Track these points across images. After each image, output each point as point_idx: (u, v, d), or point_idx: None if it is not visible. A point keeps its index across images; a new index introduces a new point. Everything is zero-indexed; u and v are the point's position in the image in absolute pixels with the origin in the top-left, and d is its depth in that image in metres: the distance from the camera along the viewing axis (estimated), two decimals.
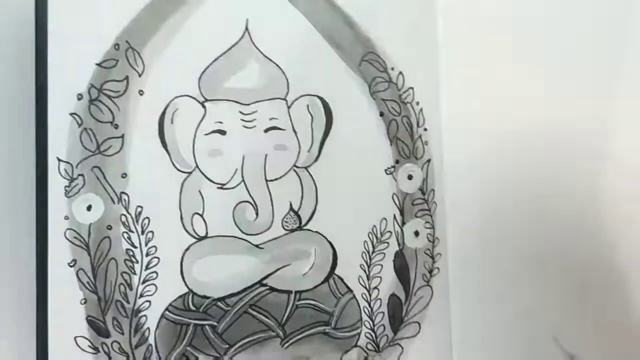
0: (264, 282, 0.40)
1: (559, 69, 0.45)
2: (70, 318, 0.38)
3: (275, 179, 0.41)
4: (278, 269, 0.40)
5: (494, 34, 0.45)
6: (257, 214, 0.40)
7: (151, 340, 0.38)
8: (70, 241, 0.38)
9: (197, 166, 0.40)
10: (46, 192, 0.38)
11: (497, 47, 0.45)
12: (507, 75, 0.45)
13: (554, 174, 0.43)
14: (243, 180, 0.40)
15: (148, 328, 0.38)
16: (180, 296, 0.39)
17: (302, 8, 0.42)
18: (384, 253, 0.42)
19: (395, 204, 0.42)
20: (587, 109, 0.43)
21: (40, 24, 0.38)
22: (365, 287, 0.41)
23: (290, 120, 0.41)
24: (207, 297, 0.39)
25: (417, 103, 0.43)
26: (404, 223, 0.42)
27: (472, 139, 0.43)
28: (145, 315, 0.38)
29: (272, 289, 0.40)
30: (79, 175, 0.38)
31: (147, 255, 0.39)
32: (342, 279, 0.41)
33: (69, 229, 0.38)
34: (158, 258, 0.39)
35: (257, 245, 0.40)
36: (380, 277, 0.42)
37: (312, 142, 0.41)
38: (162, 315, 0.39)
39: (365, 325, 0.41)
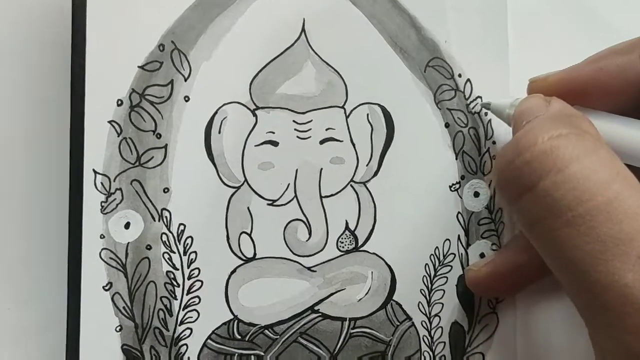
0: (316, 308, 0.33)
1: None
2: (104, 346, 0.31)
3: (331, 195, 0.33)
4: (331, 294, 0.33)
5: (568, 39, 0.37)
6: (310, 233, 0.33)
7: None
8: (105, 262, 0.31)
9: (245, 180, 0.32)
10: (81, 208, 0.31)
11: (571, 53, 0.37)
12: None
13: None
14: (296, 196, 0.32)
15: (188, 358, 0.32)
16: (225, 323, 0.32)
17: (364, 9, 0.34)
18: (447, 277, 0.34)
19: (460, 224, 0.34)
20: None
21: (78, 24, 0.31)
22: (426, 315, 0.34)
23: (349, 130, 0.33)
24: (254, 325, 0.32)
25: (486, 113, 0.35)
26: (468, 244, 0.34)
27: None
28: (185, 344, 0.31)
29: (325, 316, 0.33)
30: (116, 189, 0.31)
31: (189, 278, 0.31)
32: (400, 305, 0.33)
33: (104, 248, 0.31)
34: (201, 281, 0.32)
35: (309, 268, 0.33)
36: (442, 304, 0.34)
37: (372, 155, 0.33)
38: (204, 344, 0.32)
39: (424, 356, 0.34)
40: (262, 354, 0.32)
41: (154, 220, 0.31)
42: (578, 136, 0.25)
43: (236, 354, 0.32)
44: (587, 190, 0.24)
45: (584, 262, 0.23)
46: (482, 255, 0.34)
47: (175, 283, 0.31)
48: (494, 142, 0.35)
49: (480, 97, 0.35)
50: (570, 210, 0.24)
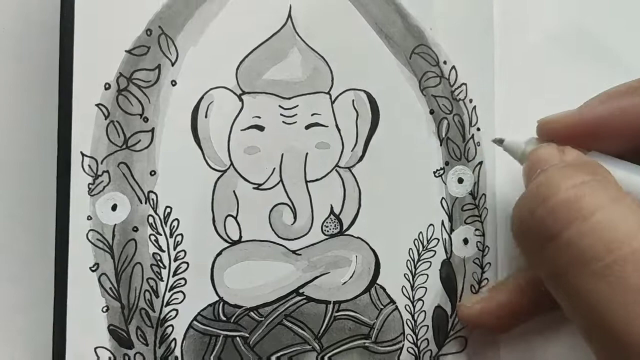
0: (301, 291, 0.33)
1: (627, 65, 0.37)
2: (90, 327, 0.31)
3: (316, 180, 0.34)
4: (316, 277, 0.33)
5: (555, 27, 0.37)
6: (295, 217, 0.33)
7: (177, 352, 0.32)
8: (92, 243, 0.31)
9: (232, 164, 0.32)
10: (68, 190, 0.31)
11: (558, 41, 0.37)
12: (568, 72, 0.37)
13: None
14: (281, 181, 0.33)
15: (174, 339, 0.32)
16: (210, 305, 0.32)
17: None
18: (430, 262, 0.34)
19: (444, 209, 0.35)
20: None
21: (66, 8, 0.31)
22: (409, 298, 0.34)
23: (334, 116, 0.34)
24: (239, 307, 0.32)
25: (470, 100, 0.35)
26: (452, 230, 0.35)
27: None
28: (171, 325, 0.32)
29: (309, 299, 0.33)
30: (104, 171, 0.31)
31: (175, 260, 0.32)
32: (384, 289, 0.34)
33: (91, 230, 0.31)
34: (187, 263, 0.32)
35: (294, 251, 0.33)
36: (426, 288, 0.34)
37: (357, 140, 0.34)
38: (190, 326, 0.32)
39: (407, 340, 0.34)
40: (247, 335, 0.32)
41: (141, 203, 0.32)
42: (601, 183, 0.25)
43: (221, 335, 0.32)
44: (615, 239, 0.23)
45: (614, 315, 0.22)
46: (465, 241, 0.35)
47: (161, 265, 0.32)
48: (478, 129, 0.35)
49: (465, 84, 0.35)
50: (598, 260, 0.23)
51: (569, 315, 0.25)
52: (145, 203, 0.32)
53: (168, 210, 0.32)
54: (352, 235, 0.34)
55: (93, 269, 0.31)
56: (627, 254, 0.23)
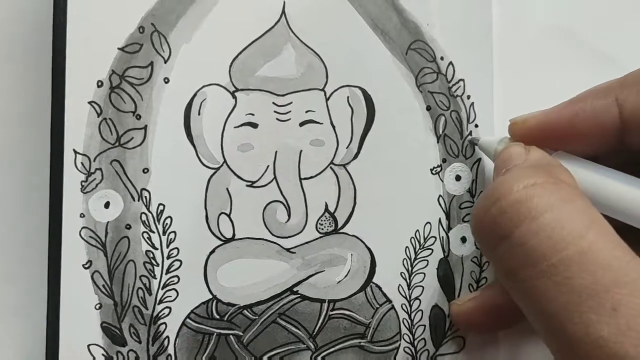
0: (295, 289, 0.33)
1: (622, 62, 0.36)
2: (83, 324, 0.31)
3: (310, 177, 0.33)
4: (310, 276, 0.33)
5: (554, 22, 0.37)
6: (289, 215, 0.33)
7: (170, 350, 0.32)
8: (85, 241, 0.31)
9: (225, 161, 0.32)
10: (61, 187, 0.31)
11: (557, 37, 0.37)
12: (567, 68, 0.36)
13: None
14: (275, 178, 0.33)
15: (167, 337, 0.32)
16: (203, 303, 0.32)
17: None
18: (427, 260, 0.34)
19: (441, 207, 0.34)
20: None
21: (59, 5, 0.31)
22: (406, 297, 0.34)
23: (329, 113, 0.33)
24: (233, 305, 0.32)
25: (468, 97, 0.35)
26: (449, 228, 0.34)
27: None
28: (164, 323, 0.32)
29: (304, 297, 0.33)
30: (96, 169, 0.31)
31: (168, 257, 0.32)
32: (380, 288, 0.34)
33: (84, 227, 0.31)
34: (180, 261, 0.32)
35: (288, 249, 0.33)
36: (423, 287, 0.34)
37: (352, 137, 0.34)
38: (183, 323, 0.32)
39: (404, 339, 0.34)
40: (241, 334, 0.32)
41: (134, 200, 0.32)
42: (554, 185, 0.25)
43: (215, 334, 0.32)
44: (562, 239, 0.23)
45: (560, 314, 0.23)
46: (463, 239, 0.34)
47: (154, 262, 0.32)
48: (476, 125, 0.35)
49: (462, 80, 0.35)
50: (545, 259, 0.23)
51: (525, 314, 0.25)
52: (138, 200, 0.32)
53: (161, 207, 0.32)
54: (347, 234, 0.33)
55: (86, 266, 0.31)
56: (574, 254, 0.23)
